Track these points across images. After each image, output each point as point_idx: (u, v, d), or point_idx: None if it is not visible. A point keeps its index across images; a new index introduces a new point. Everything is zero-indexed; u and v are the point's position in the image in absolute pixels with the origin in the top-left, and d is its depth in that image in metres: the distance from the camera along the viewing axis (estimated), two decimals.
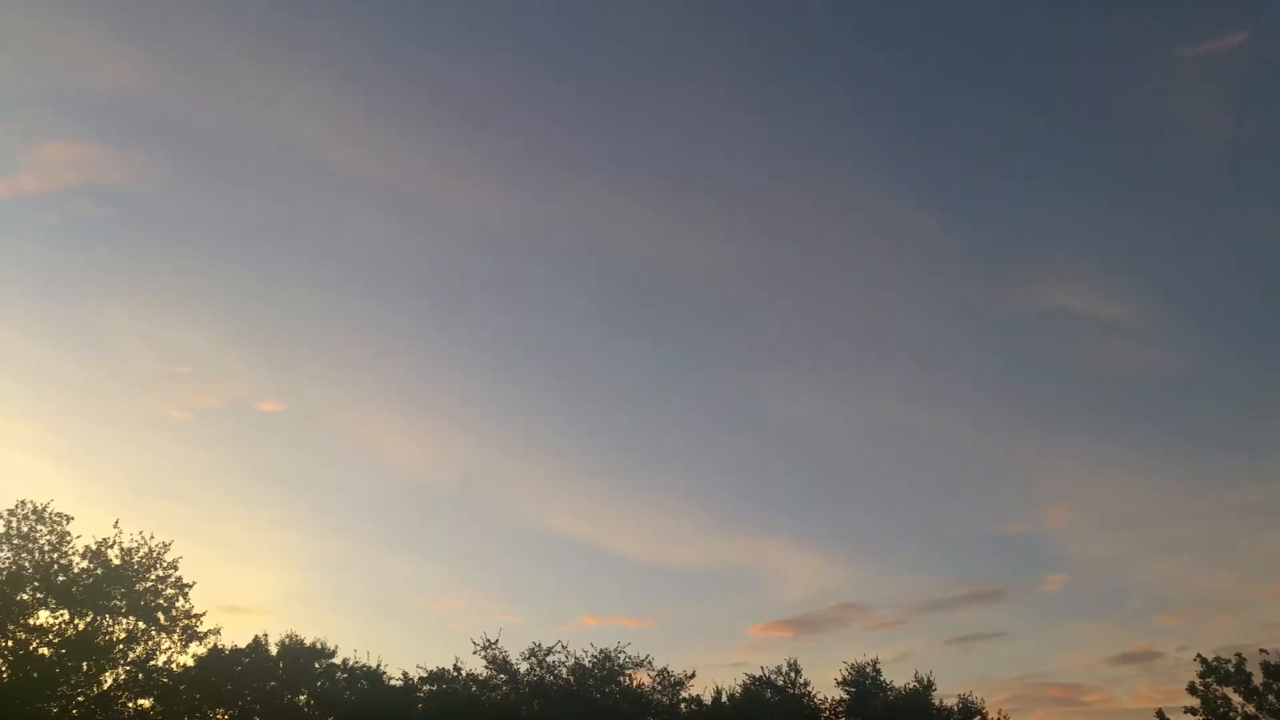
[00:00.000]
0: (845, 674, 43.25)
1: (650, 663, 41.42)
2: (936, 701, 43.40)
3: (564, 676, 40.87)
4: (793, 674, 42.75)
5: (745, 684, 42.67)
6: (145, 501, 72.12)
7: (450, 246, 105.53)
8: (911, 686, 43.37)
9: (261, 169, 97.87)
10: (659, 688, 41.46)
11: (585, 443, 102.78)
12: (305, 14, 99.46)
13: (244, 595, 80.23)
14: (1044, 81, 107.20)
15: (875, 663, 43.56)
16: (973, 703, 44.16)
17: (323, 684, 38.42)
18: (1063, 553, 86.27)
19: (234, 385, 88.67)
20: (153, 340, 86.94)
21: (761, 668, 43.09)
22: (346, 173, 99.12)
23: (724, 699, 42.13)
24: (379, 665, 39.67)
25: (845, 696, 42.89)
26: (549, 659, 40.86)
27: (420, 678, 40.11)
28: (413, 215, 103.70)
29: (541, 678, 40.74)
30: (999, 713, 44.57)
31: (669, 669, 41.64)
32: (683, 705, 41.63)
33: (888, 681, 43.32)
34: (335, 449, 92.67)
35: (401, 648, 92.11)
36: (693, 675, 41.96)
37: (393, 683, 39.62)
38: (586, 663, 40.97)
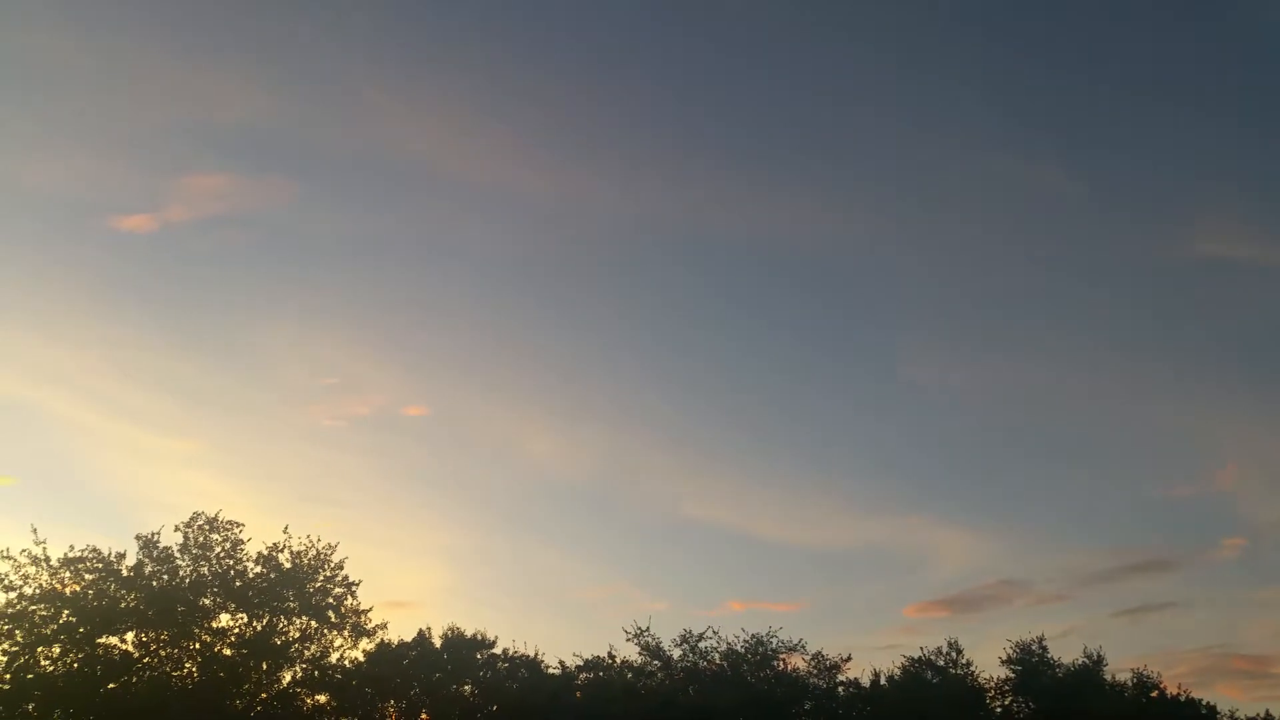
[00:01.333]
0: (1010, 652, 42.41)
1: (804, 647, 41.49)
2: (1109, 677, 42.06)
3: (717, 662, 41.32)
4: (954, 654, 42.15)
5: (904, 665, 42.32)
6: (307, 507, 76.65)
7: (574, 244, 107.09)
8: (1080, 663, 42.17)
9: (389, 185, 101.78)
10: (814, 671, 41.52)
11: (719, 429, 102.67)
12: (423, 33, 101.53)
13: (403, 591, 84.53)
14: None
15: (1041, 639, 42.49)
16: (1148, 677, 42.66)
17: (485, 674, 39.87)
18: (1237, 516, 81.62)
19: (379, 393, 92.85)
20: (301, 355, 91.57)
21: (921, 649, 42.64)
22: (471, 182, 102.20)
23: (883, 681, 41.82)
24: (537, 654, 40.95)
25: (1011, 675, 42.05)
26: (701, 645, 41.34)
27: (577, 665, 41.21)
28: (537, 217, 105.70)
29: (695, 664, 41.30)
30: (1179, 687, 42.92)
31: (823, 652, 41.60)
32: (840, 689, 41.55)
33: (1055, 658, 42.21)
34: (477, 448, 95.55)
35: (550, 637, 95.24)
36: (848, 658, 41.89)
37: (550, 671, 40.80)
38: (739, 648, 41.33)
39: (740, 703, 39.29)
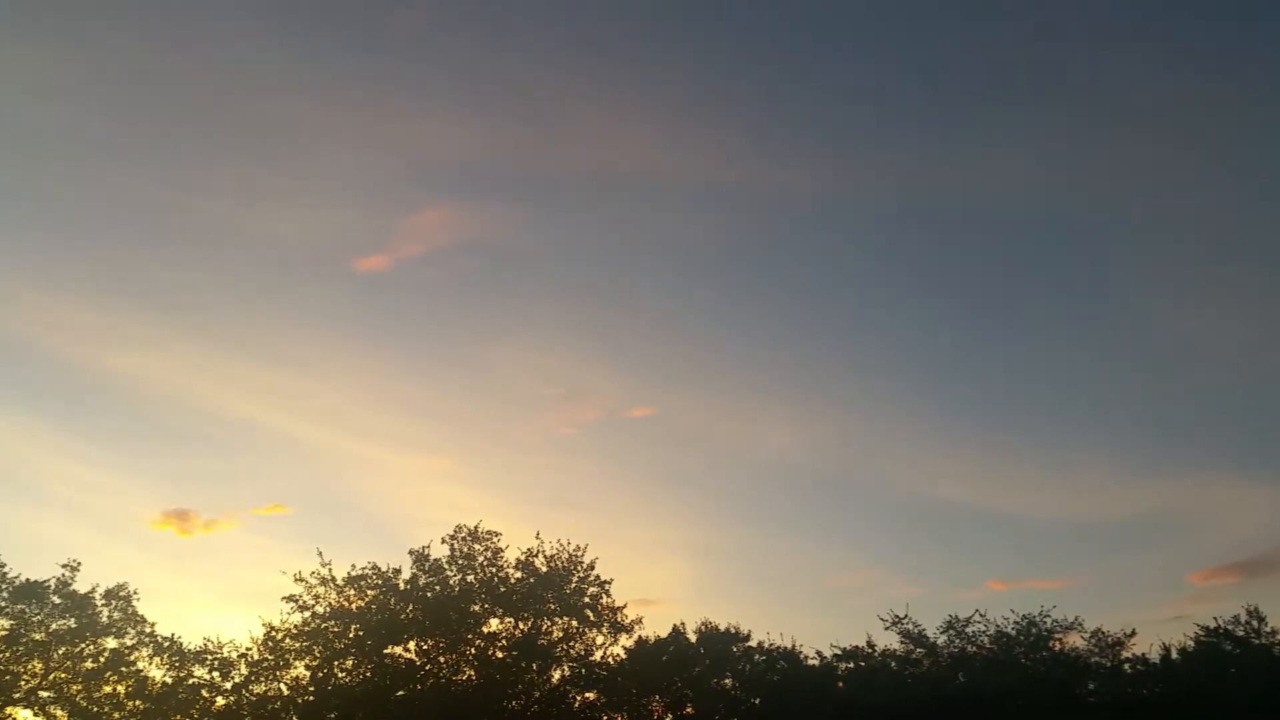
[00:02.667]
0: None
1: (1080, 624, 39.33)
2: None
3: (986, 646, 39.85)
4: (1254, 622, 38.69)
5: (1196, 637, 39.29)
6: (551, 512, 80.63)
7: (778, 229, 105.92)
8: None
9: (599, 197, 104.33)
10: (1095, 650, 39.26)
11: (963, 402, 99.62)
12: (614, 47, 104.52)
13: (650, 588, 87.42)
14: None
15: None
16: None
17: (744, 667, 40.26)
18: None
19: (605, 397, 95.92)
20: (531, 369, 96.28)
21: (1214, 619, 39.44)
22: (676, 183, 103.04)
23: (1174, 656, 39.02)
24: (794, 646, 40.92)
25: None
26: (968, 629, 39.99)
27: (835, 655, 40.89)
28: (745, 210, 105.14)
29: (963, 649, 40.01)
30: None
31: (1103, 629, 39.28)
32: (1126, 667, 39.10)
33: None
34: (707, 442, 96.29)
35: (800, 627, 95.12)
36: (1132, 634, 39.31)
37: (810, 662, 40.70)
38: (1009, 630, 39.68)
39: (1015, 687, 37.72)
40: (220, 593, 66.78)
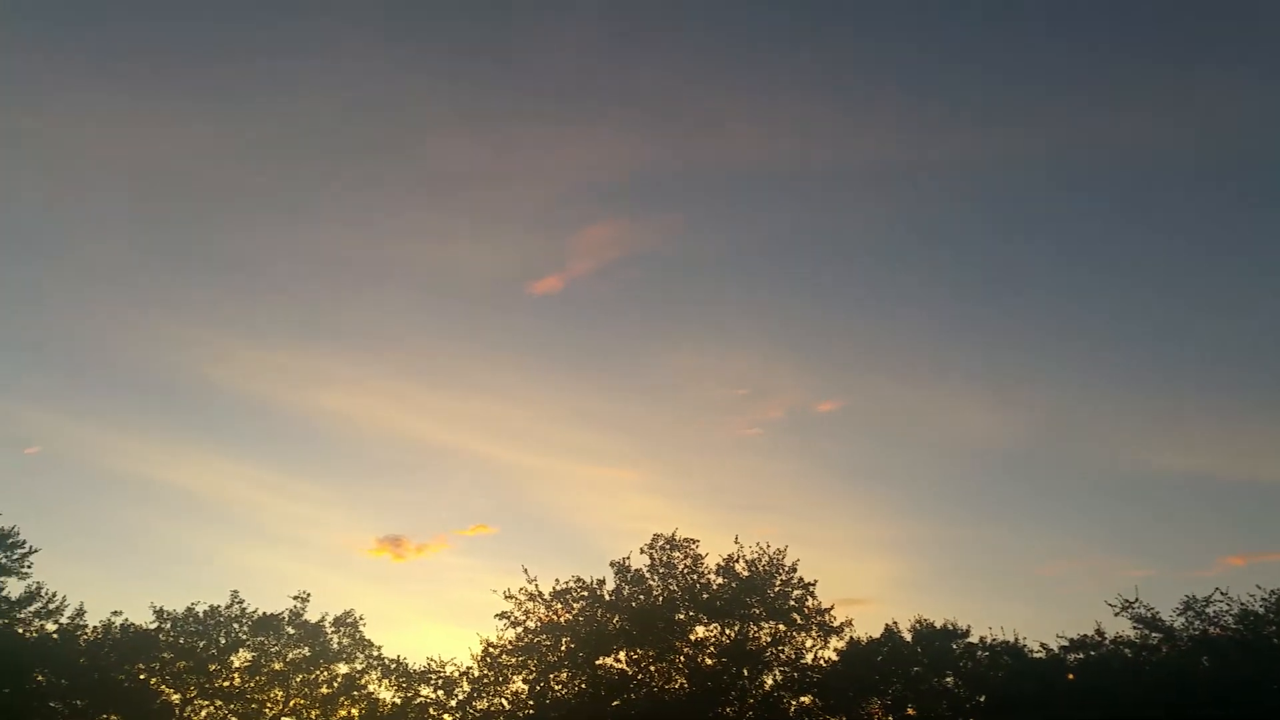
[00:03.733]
0: None
1: None
2: None
3: (1230, 627, 37.19)
4: None
5: None
6: (744, 515, 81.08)
7: (958, 208, 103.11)
8: None
9: (761, 196, 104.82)
10: None
11: (1179, 364, 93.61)
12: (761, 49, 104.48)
13: (852, 588, 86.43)
14: None
15: None
16: None
17: (965, 664, 39.02)
18: None
19: (790, 394, 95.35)
20: (711, 372, 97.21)
21: None
22: (834, 172, 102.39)
23: None
24: (1017, 639, 39.38)
25: None
26: (1208, 609, 37.45)
27: (1062, 646, 39.09)
28: (912, 190, 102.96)
29: (1204, 631, 37.49)
30: None
31: None
32: None
33: None
34: (900, 433, 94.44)
35: (1010, 619, 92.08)
36: None
37: (1035, 655, 39.03)
38: (1257, 608, 36.88)
39: (1272, 670, 35.02)
40: (434, 612, 71.12)
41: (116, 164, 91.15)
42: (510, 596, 40.12)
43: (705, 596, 39.60)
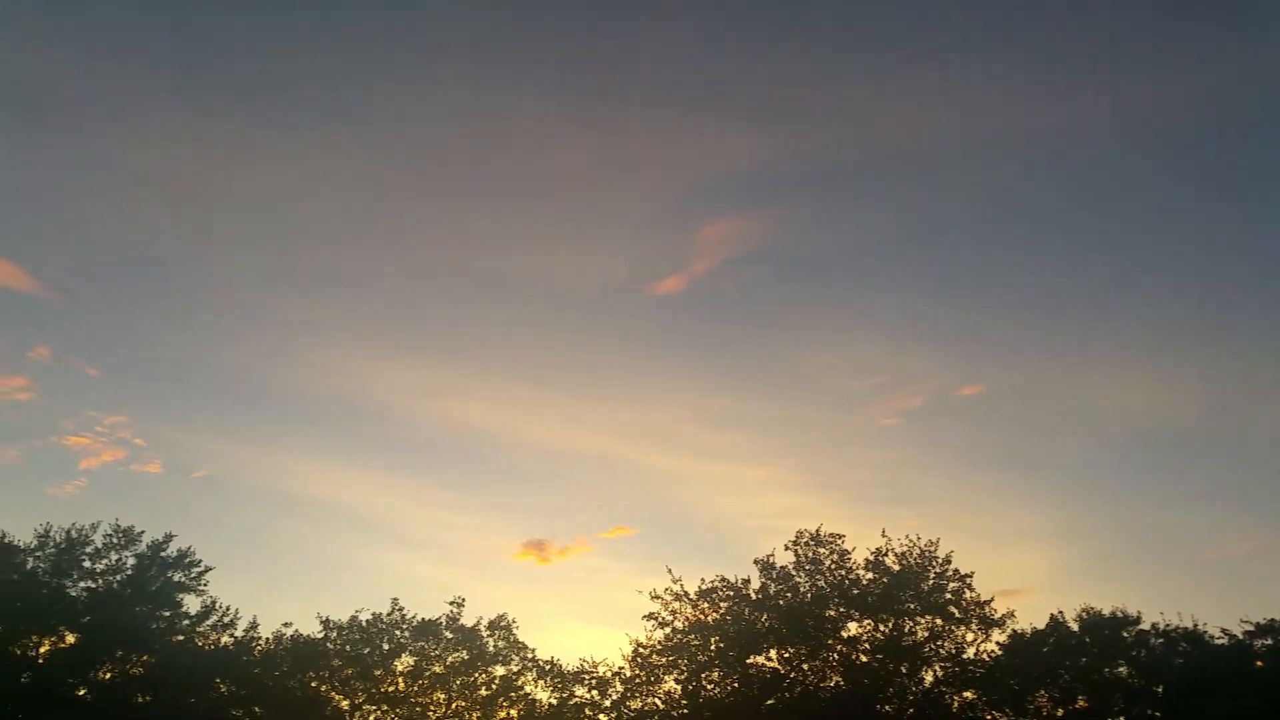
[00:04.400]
0: None
1: None
2: None
3: None
4: None
5: None
6: (886, 508, 79.04)
7: (1088, 169, 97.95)
8: None
9: (876, 182, 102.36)
10: None
11: None
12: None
13: (1008, 578, 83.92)
14: None
15: None
16: None
17: (1138, 653, 37.24)
18: None
19: (928, 380, 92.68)
20: (843, 362, 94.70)
21: None
22: (949, 149, 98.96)
23: None
24: (1195, 625, 37.30)
25: None
26: None
27: (1247, 632, 36.83)
28: (1045, 157, 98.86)
29: None
30: None
31: None
32: None
33: None
34: (1049, 414, 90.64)
35: (1177, 604, 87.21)
36: None
37: (1216, 642, 36.90)
38: None
39: None
40: (579, 614, 72.07)
41: (246, 199, 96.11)
42: (656, 597, 40.52)
43: (855, 592, 38.99)
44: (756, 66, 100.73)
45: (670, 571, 40.62)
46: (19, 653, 38.70)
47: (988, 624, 38.31)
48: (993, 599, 38.59)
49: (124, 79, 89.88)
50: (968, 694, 38.03)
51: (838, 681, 38.55)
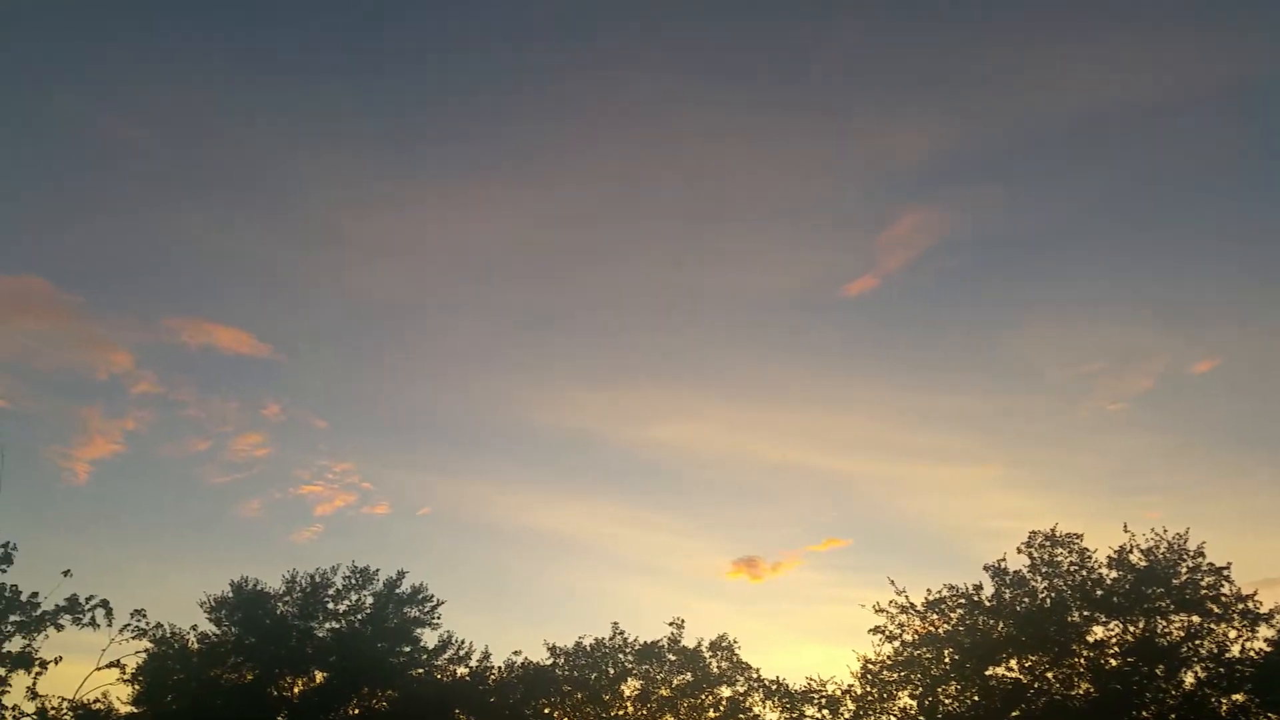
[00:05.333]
0: None
1: None
2: None
3: None
4: None
5: None
6: (1119, 499, 75.56)
7: None
8: None
9: (1078, 153, 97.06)
10: None
11: None
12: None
13: (1268, 566, 78.61)
14: None
15: None
16: None
17: None
18: None
19: (1157, 359, 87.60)
20: (1057, 349, 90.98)
21: None
22: (1155, 108, 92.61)
23: None
24: None
25: None
26: None
27: None
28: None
29: None
30: None
31: None
32: None
33: None
34: None
35: None
36: None
37: None
38: None
39: None
40: (797, 630, 71.90)
41: (449, 247, 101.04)
42: (881, 610, 39.83)
43: (1099, 593, 37.17)
44: (923, 46, 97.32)
45: (894, 583, 39.93)
46: (275, 693, 41.73)
47: (1253, 619, 35.70)
48: (1255, 592, 36.04)
49: (325, 150, 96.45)
50: (1237, 696, 35.46)
51: (1087, 689, 36.79)
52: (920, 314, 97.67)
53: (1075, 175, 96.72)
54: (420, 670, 42.35)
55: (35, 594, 36.05)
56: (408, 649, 42.53)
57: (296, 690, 41.94)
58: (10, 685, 35.03)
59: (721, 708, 41.24)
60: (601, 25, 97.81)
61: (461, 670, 42.66)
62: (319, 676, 42.10)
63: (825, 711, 40.10)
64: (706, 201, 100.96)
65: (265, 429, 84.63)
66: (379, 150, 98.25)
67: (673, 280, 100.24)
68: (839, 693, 40.09)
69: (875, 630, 39.80)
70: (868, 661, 39.64)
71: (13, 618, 38.16)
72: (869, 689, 39.46)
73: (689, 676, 41.60)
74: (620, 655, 42.40)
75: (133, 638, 38.00)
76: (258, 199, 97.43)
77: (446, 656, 42.69)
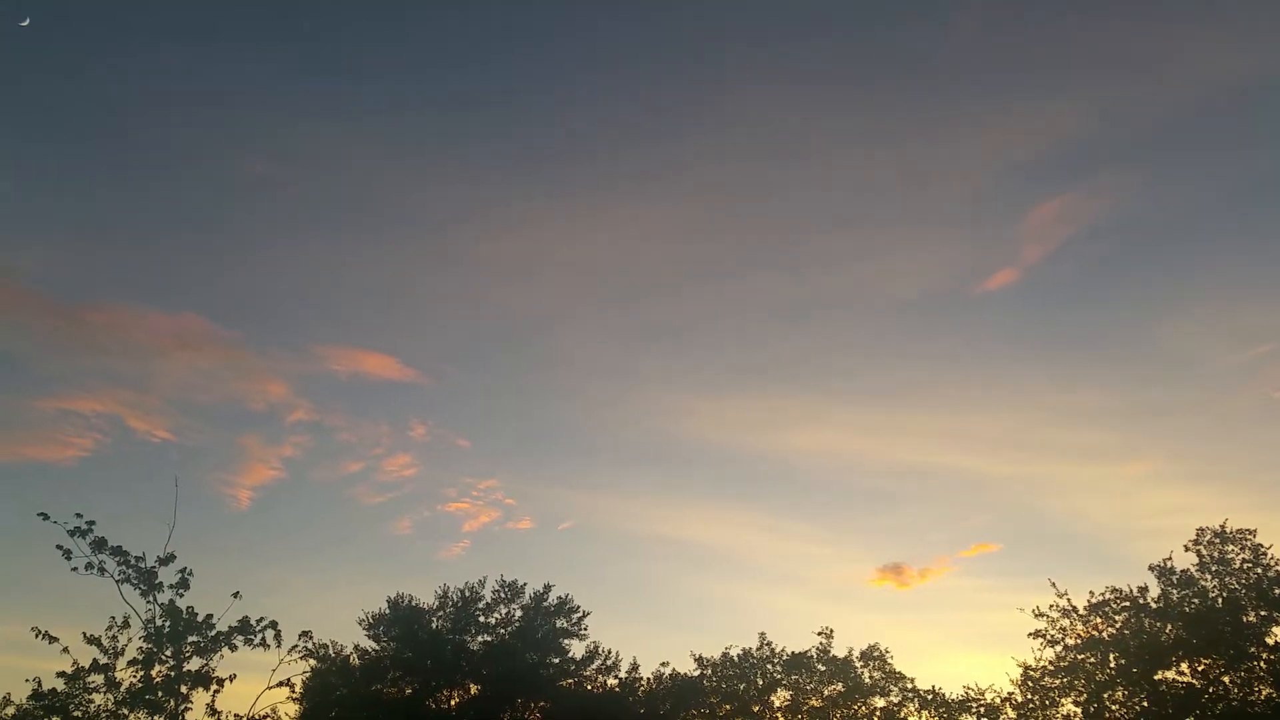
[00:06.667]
0: None
1: None
2: None
3: None
4: None
5: None
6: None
7: None
8: None
9: (1226, 125, 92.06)
10: None
11: None
12: None
13: None
14: None
15: None
16: None
17: None
18: None
19: None
20: (1216, 335, 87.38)
21: None
22: None
23: None
24: None
25: None
26: None
27: None
28: None
29: None
30: None
31: None
32: None
33: None
34: None
35: None
36: None
37: None
38: None
39: None
40: (948, 639, 70.96)
41: (575, 265, 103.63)
42: (1040, 614, 39.27)
43: (1276, 592, 35.91)
44: (1048, 28, 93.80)
45: (1055, 585, 39.33)
46: (434, 706, 43.67)
47: None
48: None
49: (455, 177, 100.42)
50: None
51: (1269, 694, 35.48)
52: (1063, 306, 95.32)
53: (1221, 153, 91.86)
54: (570, 681, 43.73)
55: (210, 615, 38.87)
56: (557, 660, 44.01)
57: (453, 703, 43.82)
58: (192, 703, 37.91)
59: (876, 718, 41.24)
60: (722, 41, 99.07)
61: (610, 681, 43.88)
62: (473, 689, 43.91)
63: None
64: (824, 199, 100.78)
65: (413, 450, 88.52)
66: (506, 174, 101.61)
67: (800, 286, 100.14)
68: (998, 700, 39.66)
69: (1035, 635, 39.24)
70: (1028, 668, 39.13)
71: (191, 639, 41.07)
72: (1030, 696, 38.92)
73: (840, 687, 41.75)
74: (768, 666, 42.87)
75: (301, 658, 40.47)
76: (393, 228, 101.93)
77: (594, 667, 44.01)
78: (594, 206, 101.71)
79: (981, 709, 39.80)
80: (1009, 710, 39.37)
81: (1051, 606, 39.25)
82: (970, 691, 40.17)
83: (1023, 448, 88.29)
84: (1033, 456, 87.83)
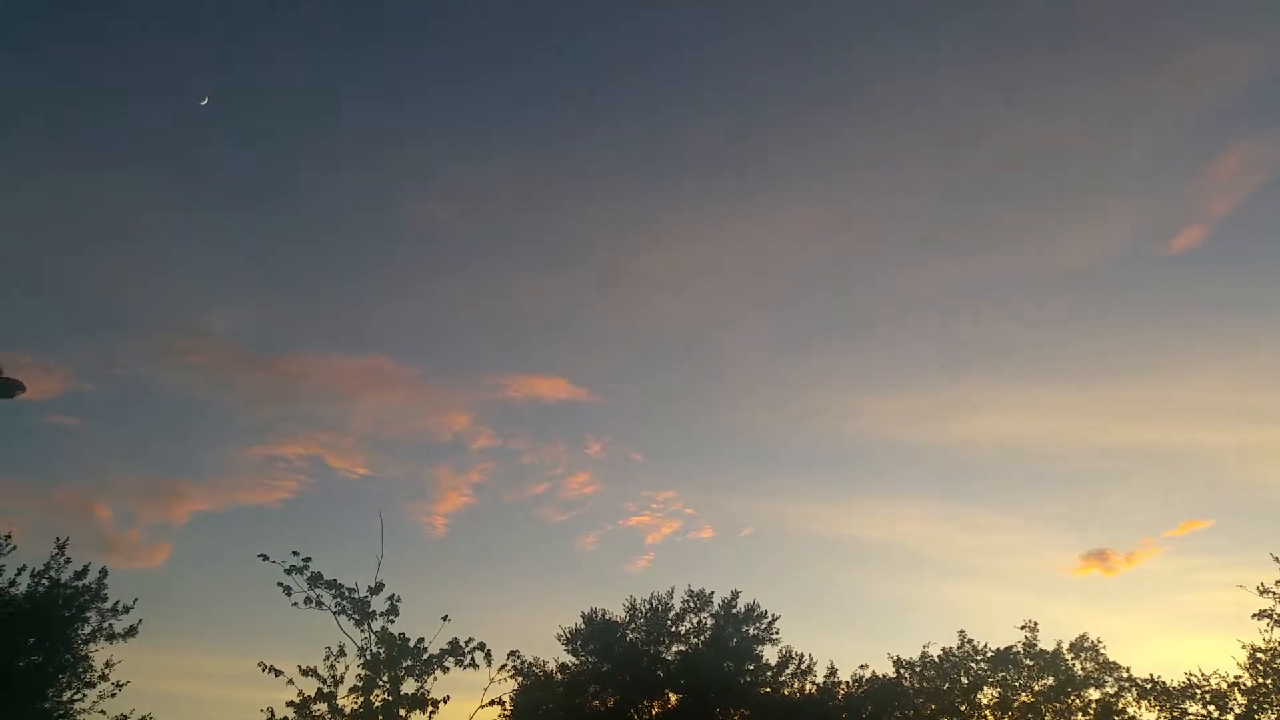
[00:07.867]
0: None
1: None
2: None
3: None
4: None
5: None
6: None
7: None
8: None
9: None
10: None
11: None
12: None
13: None
14: None
15: None
16: None
17: None
18: None
19: None
20: None
21: None
22: None
23: None
24: None
25: None
26: None
27: None
28: None
29: None
30: None
31: None
32: None
33: None
34: None
35: None
36: None
37: None
38: None
39: None
40: (1163, 623, 68.67)
41: (732, 275, 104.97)
42: (1266, 591, 36.91)
43: None
44: None
45: (1278, 560, 36.89)
46: (636, 717, 45.35)
47: None
48: None
49: (608, 198, 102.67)
50: None
51: None
52: (1260, 259, 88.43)
53: None
54: (767, 688, 44.38)
55: (421, 639, 41.96)
56: (752, 667, 44.76)
57: (654, 713, 45.33)
58: None
59: (1092, 711, 39.89)
60: (885, 28, 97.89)
61: (808, 686, 44.24)
62: (673, 699, 45.27)
63: (1211, 708, 37.63)
64: (979, 172, 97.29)
65: (591, 467, 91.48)
66: (663, 190, 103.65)
67: (969, 267, 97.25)
68: (1225, 686, 37.54)
69: (1261, 614, 36.96)
70: (1256, 650, 36.89)
71: (405, 663, 44.02)
72: (1262, 680, 36.67)
73: (1050, 680, 40.62)
74: (971, 663, 42.16)
75: (510, 676, 43.01)
76: (553, 253, 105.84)
77: (789, 672, 44.48)
78: (750, 210, 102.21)
79: (1208, 696, 37.78)
80: (1238, 696, 37.19)
81: (1277, 583, 36.89)
82: (1193, 678, 38.20)
83: (1224, 415, 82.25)
84: (1237, 424, 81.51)
